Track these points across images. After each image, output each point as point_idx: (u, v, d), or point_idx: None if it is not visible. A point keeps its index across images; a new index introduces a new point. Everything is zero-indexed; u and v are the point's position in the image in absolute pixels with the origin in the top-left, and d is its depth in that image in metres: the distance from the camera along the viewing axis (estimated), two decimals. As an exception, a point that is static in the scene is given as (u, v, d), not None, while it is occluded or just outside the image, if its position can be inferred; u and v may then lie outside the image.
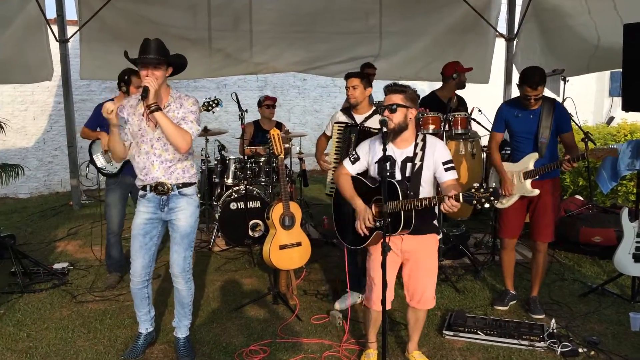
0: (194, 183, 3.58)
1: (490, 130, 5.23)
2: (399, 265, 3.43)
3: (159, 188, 3.44)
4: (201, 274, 5.22)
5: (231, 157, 6.13)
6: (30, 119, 9.00)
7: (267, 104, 6.72)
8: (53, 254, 5.90)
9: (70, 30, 7.44)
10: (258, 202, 5.83)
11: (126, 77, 4.83)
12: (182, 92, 8.74)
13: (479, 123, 5.32)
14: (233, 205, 5.84)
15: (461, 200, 2.94)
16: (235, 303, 4.54)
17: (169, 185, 3.45)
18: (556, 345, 3.67)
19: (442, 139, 4.84)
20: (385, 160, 3.01)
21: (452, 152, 5.09)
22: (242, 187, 5.86)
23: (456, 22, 7.41)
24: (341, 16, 7.29)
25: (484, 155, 5.45)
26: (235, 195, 5.86)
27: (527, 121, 4.08)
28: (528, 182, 4.05)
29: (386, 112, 3.24)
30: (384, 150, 3.05)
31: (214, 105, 5.37)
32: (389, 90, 3.32)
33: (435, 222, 3.42)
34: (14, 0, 6.42)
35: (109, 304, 4.53)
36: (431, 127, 4.93)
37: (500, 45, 7.78)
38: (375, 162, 3.32)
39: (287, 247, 4.20)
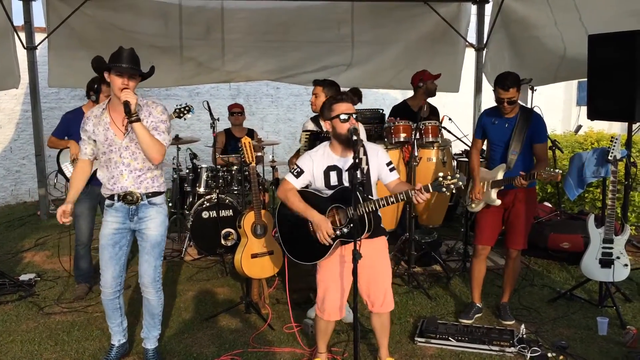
0: (163, 192, 3.55)
1: (458, 138, 5.32)
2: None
3: (128, 198, 3.39)
4: (172, 284, 5.16)
5: (203, 165, 6.08)
6: (-3, 127, 8.82)
7: (234, 111, 6.73)
8: (20, 265, 5.76)
9: (39, 37, 7.32)
10: (230, 210, 5.79)
11: (96, 86, 4.78)
12: (152, 98, 8.67)
13: (449, 131, 5.39)
14: (205, 214, 5.79)
15: (431, 189, 3.03)
16: (207, 313, 4.49)
17: (138, 195, 3.41)
18: (526, 350, 3.71)
19: (413, 147, 4.89)
20: (356, 167, 3.02)
21: (422, 159, 5.16)
22: (214, 195, 5.82)
23: (427, 31, 7.51)
24: (313, 25, 7.33)
25: (454, 162, 5.52)
26: (207, 204, 5.81)
27: (502, 130, 4.13)
28: (494, 192, 4.10)
29: (352, 120, 3.27)
30: (355, 158, 3.04)
31: (185, 112, 5.33)
32: (348, 99, 3.36)
33: (381, 224, 3.50)
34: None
35: (77, 316, 4.44)
36: (402, 135, 4.99)
37: (470, 54, 7.90)
38: (324, 172, 3.36)
39: (259, 256, 4.19)
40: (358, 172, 3.09)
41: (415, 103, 5.49)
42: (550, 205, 6.34)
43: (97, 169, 3.50)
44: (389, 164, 3.41)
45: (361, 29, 7.44)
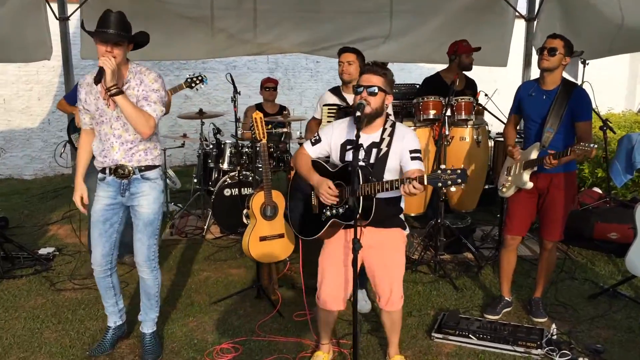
0: (158, 166, 3.33)
1: (493, 114, 4.86)
2: (360, 263, 3.13)
3: (119, 171, 3.20)
4: (188, 263, 5.00)
5: (227, 141, 5.87)
6: (35, 99, 8.88)
7: (267, 86, 6.47)
8: (43, 238, 5.75)
9: (71, 8, 7.23)
10: (253, 188, 5.56)
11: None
12: (189, 72, 8.47)
13: (484, 108, 4.94)
14: (227, 192, 5.59)
15: (425, 182, 2.61)
16: (217, 295, 4.30)
17: (130, 168, 3.21)
18: (554, 354, 3.34)
19: (442, 125, 4.49)
20: (357, 148, 2.69)
21: (455, 139, 4.76)
22: (237, 172, 5.60)
23: (473, 1, 6.96)
24: (350, -6, 6.92)
25: (491, 143, 5.08)
26: (230, 181, 5.61)
27: (539, 103, 3.67)
28: (526, 173, 3.67)
29: (364, 94, 2.93)
30: (357, 136, 2.74)
31: (197, 82, 5.09)
32: (368, 70, 3.00)
33: (401, 216, 3.15)
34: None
35: (87, 293, 4.33)
36: (432, 112, 4.61)
37: (519, 26, 7.30)
38: (341, 145, 3.07)
39: (268, 239, 3.93)
40: (361, 153, 2.79)
41: (449, 76, 5.06)
42: (599, 191, 5.79)
43: None
44: (414, 151, 2.97)
45: (400, -1, 6.98)
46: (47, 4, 6.90)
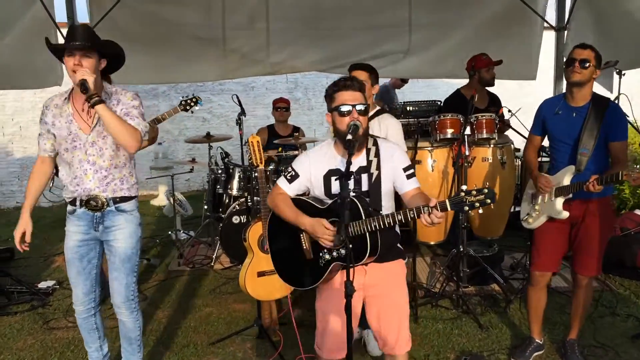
0: (135, 197, 3.03)
1: (517, 131, 4.43)
2: (361, 304, 2.75)
3: (91, 203, 2.90)
4: (190, 297, 4.68)
5: (236, 165, 5.57)
6: (53, 126, 8.80)
7: (279, 106, 6.19)
8: (48, 270, 5.53)
9: (83, 32, 7.12)
10: (264, 215, 5.23)
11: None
12: (206, 94, 8.26)
13: (509, 126, 4.52)
14: (235, 219, 5.27)
15: (448, 208, 2.29)
16: (217, 335, 3.96)
17: (104, 199, 2.91)
18: (592, 410, 2.87)
19: (461, 144, 4.08)
20: (348, 176, 2.32)
21: (476, 160, 4.35)
22: (246, 199, 5.28)
23: (497, 11, 6.52)
24: (365, 9, 6.57)
25: (518, 163, 4.64)
26: (238, 208, 5.29)
27: (569, 121, 3.24)
28: (559, 201, 3.23)
29: (355, 114, 2.57)
30: (349, 163, 2.37)
31: (192, 104, 4.82)
32: (349, 86, 2.60)
33: (399, 245, 2.76)
34: (16, 3, 6.10)
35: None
36: (449, 131, 4.22)
37: (548, 37, 6.84)
38: (324, 177, 2.68)
39: (267, 274, 3.57)
40: (351, 182, 2.42)
41: (470, 92, 4.65)
42: (642, 213, 5.25)
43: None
44: (407, 168, 2.68)
45: (420, 11, 6.58)
46: (57, 29, 6.79)
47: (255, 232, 3.58)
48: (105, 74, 3.04)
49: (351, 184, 2.59)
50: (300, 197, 2.74)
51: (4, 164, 9.03)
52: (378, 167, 2.64)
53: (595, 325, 3.87)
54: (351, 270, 2.59)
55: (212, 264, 5.43)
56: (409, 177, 2.66)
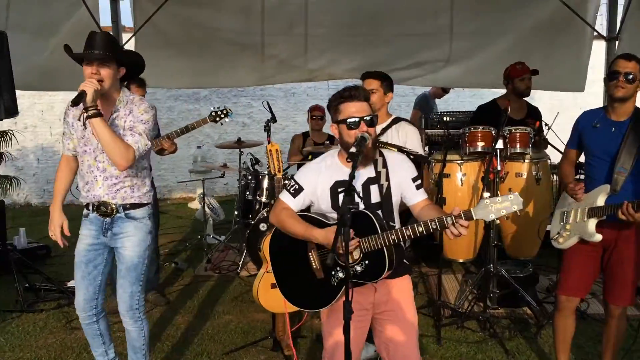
0: (146, 204, 3.00)
1: (555, 147, 4.20)
2: (368, 326, 2.62)
3: (101, 208, 2.91)
4: (212, 304, 4.65)
5: (265, 172, 5.53)
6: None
7: (314, 115, 6.12)
8: (80, 269, 5.62)
9: (126, 37, 7.26)
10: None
11: (125, 84, 4.38)
12: (246, 99, 8.29)
13: (547, 141, 4.28)
14: (263, 226, 5.20)
15: (474, 217, 2.21)
16: (232, 344, 3.90)
17: (114, 206, 2.90)
18: None
19: (491, 159, 3.89)
20: (349, 190, 2.21)
21: (510, 175, 4.14)
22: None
23: (544, 19, 6.26)
24: (406, 16, 6.44)
25: (554, 179, 4.39)
26: (266, 215, 5.23)
27: (607, 136, 3.01)
28: (592, 222, 3.00)
29: (363, 126, 2.46)
30: (351, 177, 2.26)
31: (222, 115, 4.78)
32: (354, 97, 2.49)
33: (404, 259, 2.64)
34: (61, 7, 6.28)
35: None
36: (480, 144, 4.02)
37: (598, 47, 6.51)
38: (331, 189, 2.56)
39: (281, 287, 3.47)
40: (356, 195, 2.33)
41: (505, 103, 4.45)
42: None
43: None
44: (415, 178, 2.59)
45: (462, 18, 6.39)
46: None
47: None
48: (124, 80, 3.05)
49: (360, 200, 2.50)
50: (305, 213, 2.63)
51: (52, 162, 9.29)
52: (387, 178, 2.54)
53: (631, 357, 3.59)
54: (359, 289, 2.52)
55: (239, 270, 5.39)
56: (418, 187, 2.58)
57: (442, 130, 5.49)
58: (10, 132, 4.59)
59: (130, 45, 7.15)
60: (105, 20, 7.21)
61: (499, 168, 3.95)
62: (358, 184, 2.53)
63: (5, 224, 6.12)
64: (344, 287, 2.47)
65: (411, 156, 3.08)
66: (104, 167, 2.88)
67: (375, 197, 2.53)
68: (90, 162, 2.89)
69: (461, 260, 4.60)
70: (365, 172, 2.54)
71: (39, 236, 6.29)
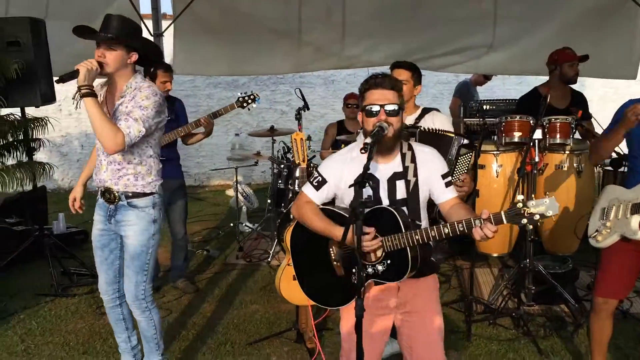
0: (150, 194, 2.94)
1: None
2: (390, 326, 2.50)
3: (106, 195, 2.91)
4: (240, 292, 4.63)
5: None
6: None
7: (349, 103, 5.98)
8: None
9: (166, 24, 7.29)
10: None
11: (151, 70, 4.37)
12: (285, 87, 8.19)
13: (589, 131, 4.03)
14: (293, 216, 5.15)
15: (504, 221, 2.08)
16: (257, 335, 3.87)
17: (116, 193, 2.88)
18: None
19: (527, 150, 3.69)
20: (362, 183, 2.10)
21: (549, 167, 3.94)
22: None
23: (592, 3, 5.94)
24: (447, 0, 6.22)
25: (598, 171, 4.14)
26: (297, 205, 5.16)
27: None
28: (635, 219, 2.79)
29: (382, 115, 2.33)
30: (365, 168, 2.15)
31: (249, 101, 4.71)
32: (379, 84, 2.37)
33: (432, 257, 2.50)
34: (100, -6, 6.34)
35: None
36: (516, 134, 3.83)
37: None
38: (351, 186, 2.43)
39: (303, 278, 3.40)
40: (366, 189, 2.20)
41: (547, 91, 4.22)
42: None
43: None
44: (445, 175, 2.45)
45: (506, 2, 6.11)
46: (141, 22, 7.00)
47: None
48: (142, 67, 3.02)
49: (384, 195, 2.40)
50: (328, 207, 2.53)
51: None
52: (415, 174, 2.40)
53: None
54: (381, 287, 2.42)
55: (269, 259, 5.36)
56: (447, 184, 2.44)
57: (471, 120, 5.28)
58: (46, 118, 4.63)
59: (169, 33, 7.20)
60: (146, 8, 7.28)
61: (537, 159, 3.75)
62: (383, 179, 2.42)
63: (46, 208, 6.31)
64: (363, 286, 2.38)
65: (454, 136, 3.01)
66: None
67: (401, 193, 2.40)
68: (98, 144, 2.88)
69: (495, 255, 4.42)
70: (392, 167, 2.42)
71: (79, 221, 6.42)
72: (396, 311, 2.47)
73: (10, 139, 4.72)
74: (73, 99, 2.80)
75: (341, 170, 2.48)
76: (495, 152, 4.11)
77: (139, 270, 2.95)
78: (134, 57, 2.82)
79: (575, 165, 4.02)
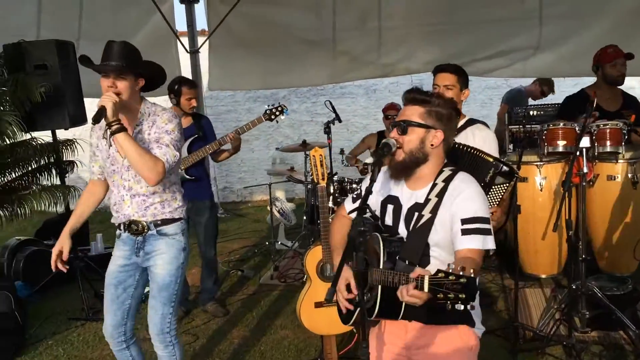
0: (179, 219, 2.81)
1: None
2: None
3: (132, 227, 2.76)
4: (271, 316, 4.43)
5: (334, 176, 5.22)
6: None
7: (388, 114, 5.72)
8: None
9: (201, 41, 7.26)
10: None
11: (176, 87, 4.26)
12: (326, 98, 8.01)
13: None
14: (327, 234, 4.92)
15: (425, 287, 1.67)
16: (282, 364, 3.65)
17: (144, 224, 2.73)
18: None
19: (573, 160, 3.31)
20: (362, 210, 1.85)
21: (600, 178, 3.54)
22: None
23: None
24: (488, 0, 5.88)
25: (658, 182, 3.71)
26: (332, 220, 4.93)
27: None
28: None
29: (394, 133, 2.08)
30: (368, 191, 1.90)
31: (277, 113, 4.51)
32: (405, 98, 2.14)
33: (472, 306, 2.10)
34: (134, 14, 6.36)
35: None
36: (560, 143, 3.45)
37: None
38: (382, 202, 2.22)
39: (325, 306, 3.17)
40: (401, 222, 1.98)
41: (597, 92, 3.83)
42: None
43: None
44: (469, 220, 1.98)
45: (552, 0, 5.74)
46: (177, 38, 6.99)
47: (314, 257, 3.20)
48: (145, 90, 2.88)
49: (402, 225, 2.14)
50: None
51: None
52: (434, 211, 2.04)
53: None
54: (392, 322, 2.15)
55: (305, 279, 5.13)
56: (465, 232, 1.97)
57: (533, 126, 4.89)
58: (75, 140, 4.62)
59: (204, 49, 7.16)
60: (181, 25, 7.28)
61: (585, 170, 3.37)
62: (405, 206, 2.14)
63: (87, 230, 6.32)
64: (355, 315, 2.15)
65: (492, 161, 2.62)
66: (129, 186, 2.72)
67: (412, 227, 2.09)
68: (118, 181, 2.74)
69: (543, 276, 4.03)
70: (417, 195, 2.12)
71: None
72: (408, 353, 2.17)
73: (42, 162, 4.73)
74: (103, 137, 2.71)
75: (381, 186, 2.25)
76: (538, 163, 3.75)
77: (166, 301, 2.80)
78: (141, 82, 2.72)
79: (630, 175, 3.60)
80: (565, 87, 8.75)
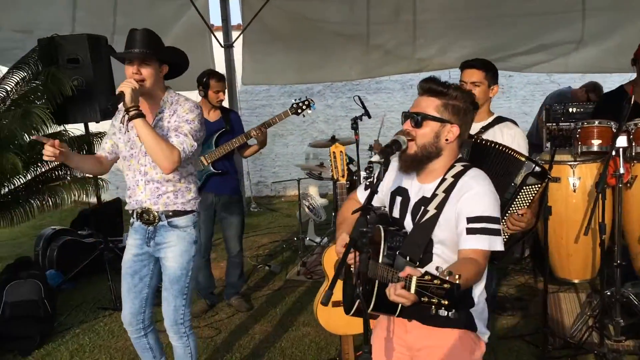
0: (191, 212, 2.80)
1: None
2: None
3: (144, 216, 2.76)
4: (295, 312, 4.40)
5: (361, 172, 5.13)
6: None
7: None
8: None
9: (235, 35, 7.27)
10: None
11: (205, 79, 4.26)
12: (361, 93, 7.96)
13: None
14: (355, 231, 4.85)
15: (412, 289, 1.57)
16: (302, 362, 3.61)
17: (156, 213, 2.73)
18: None
19: (608, 160, 3.14)
20: (366, 210, 1.78)
21: (637, 179, 3.35)
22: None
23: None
24: (529, -8, 5.68)
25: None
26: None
27: None
28: None
29: (407, 125, 1.99)
30: (373, 191, 1.82)
31: (304, 107, 4.45)
32: (421, 88, 2.03)
33: (475, 310, 1.99)
34: (169, 9, 6.41)
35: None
36: (595, 142, 3.28)
37: None
38: (391, 193, 2.14)
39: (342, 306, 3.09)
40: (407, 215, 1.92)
41: (636, 90, 3.62)
42: None
43: None
44: (474, 219, 1.88)
45: (596, -8, 5.50)
46: (211, 33, 7.01)
47: (332, 255, 3.11)
48: (167, 78, 2.88)
49: (409, 218, 2.05)
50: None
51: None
52: (440, 207, 1.94)
53: None
54: (390, 319, 2.08)
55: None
56: (470, 231, 1.87)
57: (566, 124, 4.68)
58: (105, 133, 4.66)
59: (238, 43, 7.17)
60: (216, 19, 7.30)
61: (622, 171, 3.20)
62: (413, 200, 2.05)
63: (121, 220, 6.43)
64: (355, 305, 2.07)
65: (524, 160, 2.49)
66: (145, 171, 2.73)
67: (417, 221, 2.00)
68: (135, 166, 2.75)
69: (576, 281, 3.86)
70: (425, 189, 2.02)
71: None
72: (410, 354, 2.08)
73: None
74: (121, 122, 2.73)
75: (389, 175, 2.16)
76: (571, 163, 3.58)
77: (178, 294, 2.80)
78: (165, 69, 2.74)
79: (670, 177, 3.41)
80: (611, 82, 8.41)
